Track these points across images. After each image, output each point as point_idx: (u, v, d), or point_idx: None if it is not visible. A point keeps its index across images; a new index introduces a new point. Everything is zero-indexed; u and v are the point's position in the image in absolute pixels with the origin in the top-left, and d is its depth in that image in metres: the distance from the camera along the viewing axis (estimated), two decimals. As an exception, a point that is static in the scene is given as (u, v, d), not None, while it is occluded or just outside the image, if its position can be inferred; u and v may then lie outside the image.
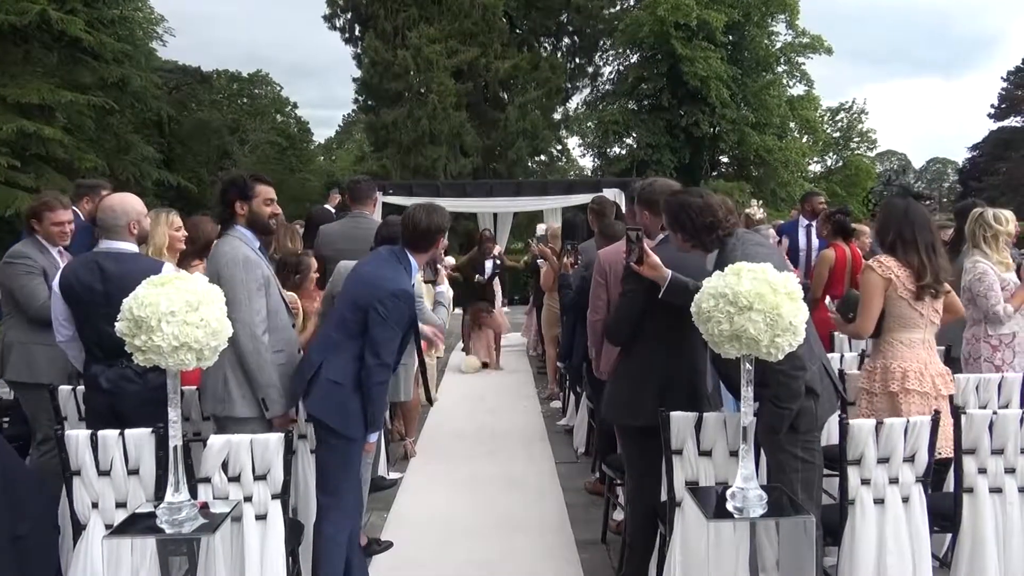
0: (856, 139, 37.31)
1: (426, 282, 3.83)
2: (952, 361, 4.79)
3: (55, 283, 3.65)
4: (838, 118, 37.51)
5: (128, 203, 3.66)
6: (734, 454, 3.04)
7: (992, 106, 40.45)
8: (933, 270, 3.50)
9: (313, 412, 3.39)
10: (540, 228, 11.93)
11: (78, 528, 3.02)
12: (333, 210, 7.16)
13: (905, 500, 3.13)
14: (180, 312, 2.47)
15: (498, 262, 10.99)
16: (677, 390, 3.37)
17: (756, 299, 2.47)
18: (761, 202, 7.48)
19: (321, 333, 3.56)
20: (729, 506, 2.66)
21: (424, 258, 3.63)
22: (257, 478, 3.04)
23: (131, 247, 3.63)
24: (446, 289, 4.40)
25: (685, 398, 3.33)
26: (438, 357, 10.42)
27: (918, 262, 3.50)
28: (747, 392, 2.62)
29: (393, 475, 5.73)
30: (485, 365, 10.23)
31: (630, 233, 3.32)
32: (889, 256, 3.57)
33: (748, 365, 2.60)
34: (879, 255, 3.63)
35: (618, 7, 31.41)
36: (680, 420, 3.16)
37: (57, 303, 3.63)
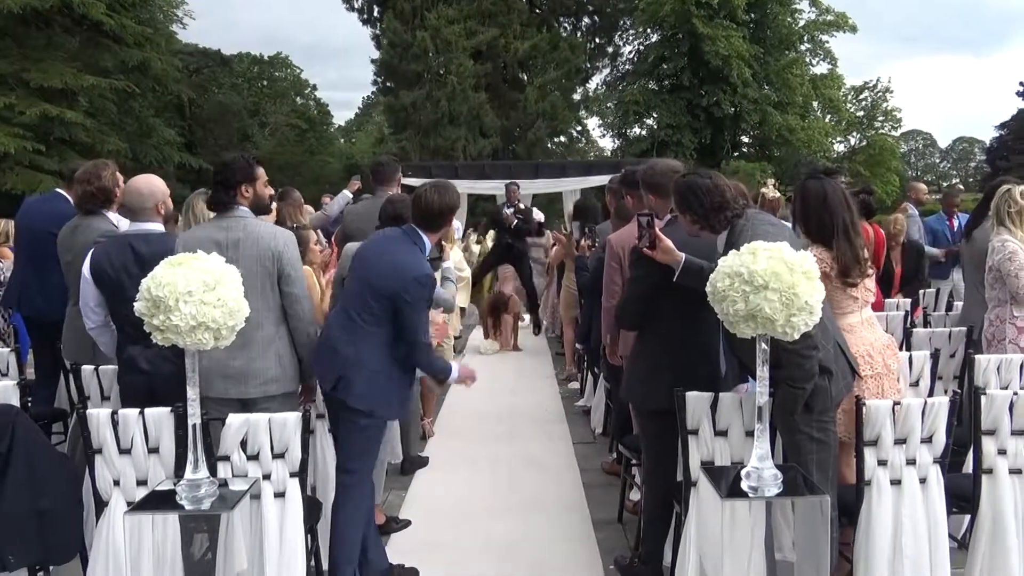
0: (880, 118, 36.75)
1: (431, 259, 3.88)
2: (974, 343, 4.75)
3: (85, 268, 3.68)
4: (862, 97, 36.95)
5: (154, 184, 3.75)
6: (750, 434, 3.03)
7: (1021, 84, 39.75)
8: (852, 252, 3.35)
9: (360, 405, 3.40)
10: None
11: (100, 505, 3.07)
12: (351, 195, 7.15)
13: (923, 481, 3.11)
14: (197, 292, 2.49)
15: (518, 209, 10.57)
16: (693, 372, 3.35)
17: (772, 278, 2.45)
18: (775, 182, 7.43)
19: (345, 321, 3.48)
20: (744, 485, 2.65)
21: (436, 237, 3.65)
22: (276, 456, 3.07)
23: (159, 227, 3.72)
24: (452, 264, 4.42)
25: (701, 379, 3.31)
26: (456, 338, 10.46)
27: (842, 249, 3.35)
28: (763, 372, 2.60)
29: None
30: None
31: (641, 219, 3.29)
32: (821, 247, 3.38)
33: (764, 345, 2.58)
34: (812, 247, 3.39)
35: (638, -14, 31.11)
36: (696, 400, 3.15)
37: (88, 288, 3.67)
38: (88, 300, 3.70)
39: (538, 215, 11.32)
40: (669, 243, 3.23)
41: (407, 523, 4.59)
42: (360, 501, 3.53)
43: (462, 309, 9.74)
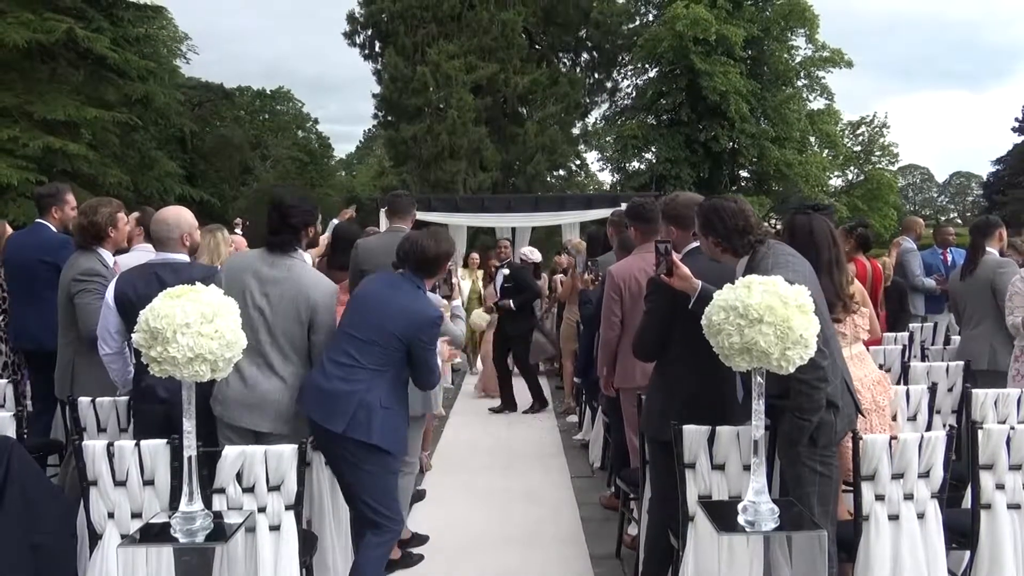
0: (877, 153, 37.04)
1: (443, 297, 4.01)
2: (971, 375, 4.76)
3: (109, 295, 3.71)
4: (859, 132, 37.29)
5: (182, 216, 3.82)
6: (748, 468, 3.02)
7: (1016, 119, 40.07)
8: (834, 288, 3.37)
9: (379, 443, 3.41)
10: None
11: (94, 537, 3.05)
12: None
13: (920, 516, 3.10)
14: (195, 324, 2.50)
15: (505, 272, 9.02)
16: (704, 404, 3.33)
17: (766, 312, 2.46)
18: (779, 217, 7.49)
19: (347, 361, 3.44)
20: (740, 520, 2.64)
21: (432, 282, 3.79)
22: (271, 489, 3.05)
23: (184, 258, 3.78)
24: (460, 303, 4.50)
25: (713, 412, 3.28)
26: (454, 371, 10.44)
27: (824, 284, 3.31)
28: (758, 405, 2.60)
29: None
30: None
31: (659, 246, 3.30)
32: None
33: (759, 378, 2.59)
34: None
35: (637, 22, 31.53)
36: (693, 434, 3.15)
37: (110, 315, 3.70)
38: (108, 326, 3.73)
39: (535, 255, 10.13)
40: (686, 270, 3.23)
41: (420, 557, 4.55)
42: (394, 536, 3.59)
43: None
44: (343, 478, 3.53)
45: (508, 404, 8.91)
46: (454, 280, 4.46)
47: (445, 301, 4.32)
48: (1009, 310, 4.75)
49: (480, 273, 11.61)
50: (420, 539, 4.75)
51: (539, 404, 8.83)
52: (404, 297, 3.56)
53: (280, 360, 3.51)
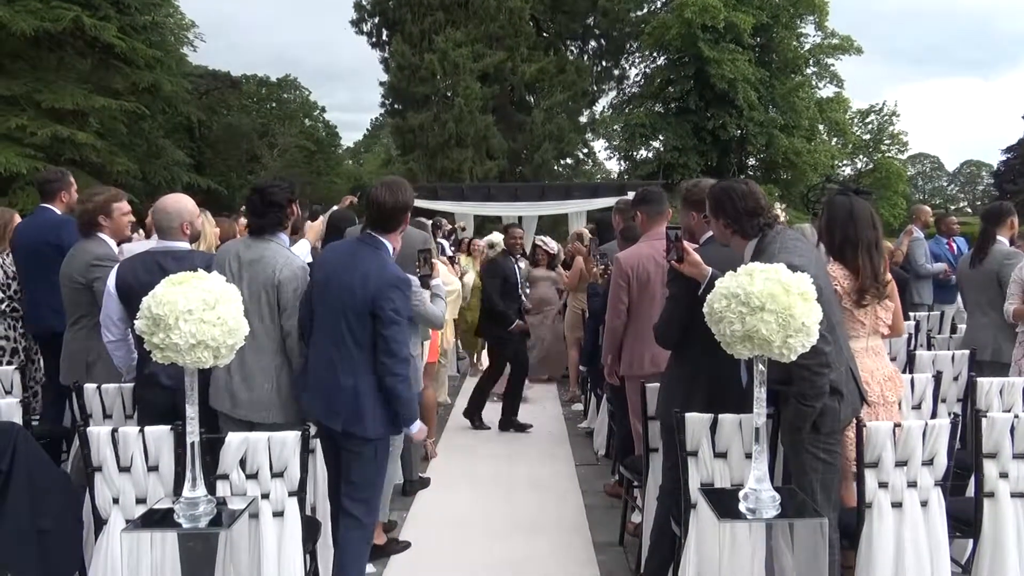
0: (887, 141, 36.84)
1: (422, 276, 3.86)
2: (977, 365, 4.74)
3: (110, 282, 3.73)
4: (868, 120, 37.07)
5: (182, 204, 3.84)
6: (750, 456, 3.02)
7: (1027, 107, 39.74)
8: (872, 270, 3.36)
9: (374, 434, 3.38)
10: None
11: (100, 523, 3.07)
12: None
13: (924, 504, 3.09)
14: (197, 310, 2.50)
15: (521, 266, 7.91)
16: (727, 392, 3.31)
17: (768, 299, 2.45)
18: (785, 205, 7.43)
19: (332, 352, 3.37)
20: (741, 507, 2.64)
21: (396, 237, 3.55)
22: (274, 475, 3.07)
23: (185, 246, 3.81)
24: (442, 282, 4.39)
25: (735, 400, 3.26)
26: (460, 359, 10.43)
27: (859, 264, 3.36)
28: (760, 393, 2.59)
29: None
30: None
31: (669, 232, 3.32)
32: (836, 263, 3.42)
33: (761, 366, 2.58)
34: (831, 263, 3.44)
35: (645, 10, 31.37)
36: (695, 421, 3.14)
37: (111, 303, 3.73)
38: (111, 314, 3.76)
39: (552, 245, 9.38)
40: (696, 257, 3.25)
41: (407, 544, 4.57)
42: (371, 530, 3.55)
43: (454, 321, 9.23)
44: (335, 466, 3.49)
45: (474, 415, 7.53)
46: (435, 260, 4.32)
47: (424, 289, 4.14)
48: (1008, 297, 4.78)
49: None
50: (401, 545, 4.61)
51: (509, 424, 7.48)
52: (362, 262, 3.36)
53: (251, 348, 3.39)
